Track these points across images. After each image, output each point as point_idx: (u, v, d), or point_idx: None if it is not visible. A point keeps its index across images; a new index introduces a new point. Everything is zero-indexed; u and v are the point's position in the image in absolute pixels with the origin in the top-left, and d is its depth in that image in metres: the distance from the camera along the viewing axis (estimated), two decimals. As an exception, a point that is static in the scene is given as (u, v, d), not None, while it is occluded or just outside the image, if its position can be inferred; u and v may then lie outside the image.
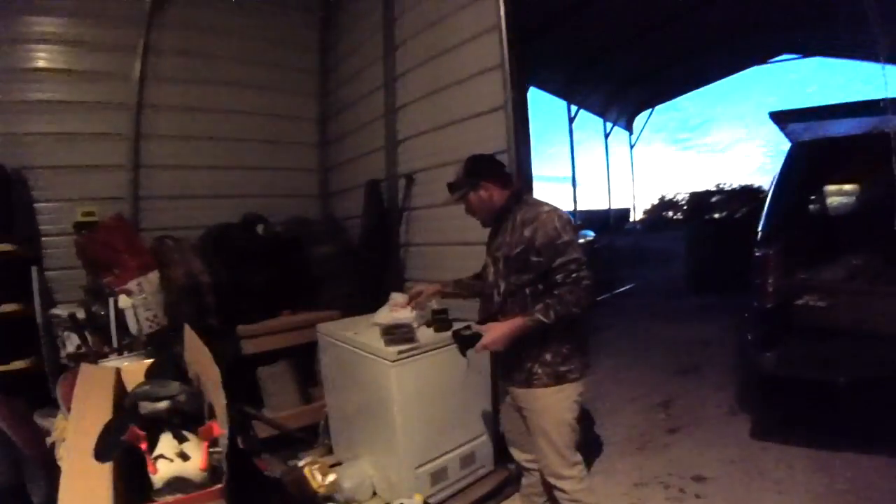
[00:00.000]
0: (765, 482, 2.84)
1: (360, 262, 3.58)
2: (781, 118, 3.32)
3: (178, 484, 1.45)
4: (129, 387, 1.90)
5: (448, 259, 2.69)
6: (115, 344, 2.77)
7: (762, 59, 9.22)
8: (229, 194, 4.02)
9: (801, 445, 3.16)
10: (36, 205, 3.37)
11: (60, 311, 2.96)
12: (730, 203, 7.83)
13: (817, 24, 7.31)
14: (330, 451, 3.04)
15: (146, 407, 1.65)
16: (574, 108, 8.22)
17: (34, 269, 2.98)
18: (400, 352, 2.26)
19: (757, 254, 3.34)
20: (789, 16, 7.26)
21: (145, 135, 3.74)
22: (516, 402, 2.11)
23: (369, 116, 3.91)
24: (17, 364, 2.87)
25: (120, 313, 2.84)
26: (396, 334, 2.32)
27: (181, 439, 1.55)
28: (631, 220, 17.16)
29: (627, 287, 9.66)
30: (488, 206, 2.08)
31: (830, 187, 3.56)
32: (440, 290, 2.44)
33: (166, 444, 1.54)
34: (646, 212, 28.29)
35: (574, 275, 1.82)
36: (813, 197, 3.57)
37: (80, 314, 2.85)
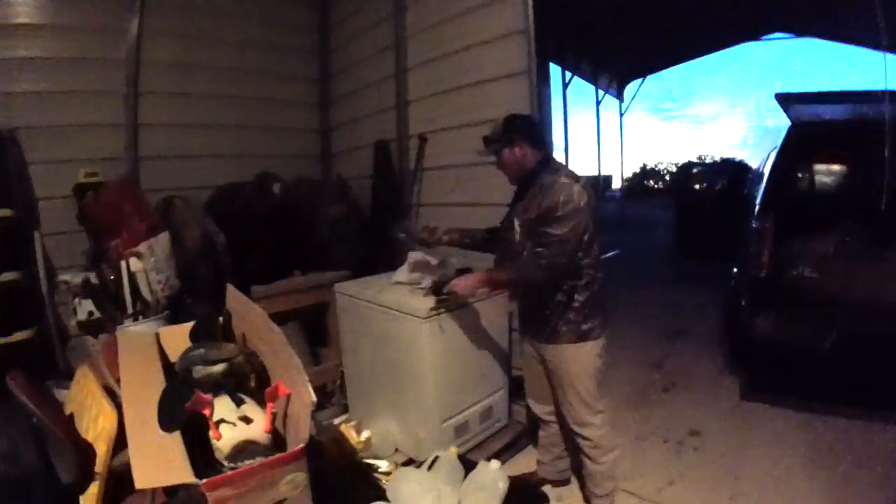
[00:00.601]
0: (757, 435, 3.03)
1: (371, 223, 3.59)
2: (786, 99, 3.47)
3: (248, 448, 1.41)
4: (169, 352, 1.87)
5: (459, 220, 2.71)
6: (129, 310, 2.71)
7: (755, 35, 9.29)
8: (230, 154, 3.95)
9: (788, 405, 3.35)
10: (31, 167, 3.18)
11: (69, 276, 2.88)
12: (716, 174, 7.96)
13: (816, 4, 7.43)
14: (345, 410, 3.09)
15: (200, 371, 1.62)
16: (568, 74, 8.19)
17: (37, 235, 2.89)
18: (431, 308, 2.31)
19: (754, 224, 3.49)
20: None
21: (143, 93, 3.60)
22: (541, 357, 2.22)
23: (377, 76, 3.85)
24: (20, 335, 2.73)
25: (133, 277, 2.78)
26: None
27: (239, 402, 1.52)
28: (613, 187, 17.37)
29: (613, 253, 9.87)
30: (520, 164, 2.12)
31: (824, 166, 3.76)
32: (453, 230, 2.47)
33: (225, 407, 1.49)
34: (627, 180, 28.57)
35: (551, 251, 1.92)
36: (808, 174, 3.77)
37: (93, 279, 2.78)
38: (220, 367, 1.63)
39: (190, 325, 1.97)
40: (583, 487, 2.39)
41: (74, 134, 3.36)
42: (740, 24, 8.57)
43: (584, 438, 2.17)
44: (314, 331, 3.44)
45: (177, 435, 1.39)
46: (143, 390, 1.57)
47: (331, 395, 3.25)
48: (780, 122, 3.96)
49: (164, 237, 2.94)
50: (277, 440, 1.52)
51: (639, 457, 2.86)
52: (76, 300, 2.82)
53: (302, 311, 3.27)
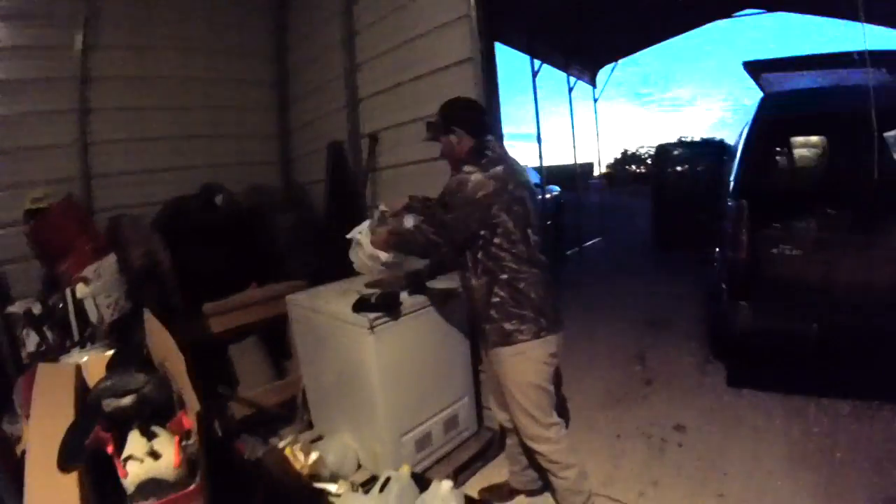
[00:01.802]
0: (743, 429, 2.93)
1: (325, 229, 3.46)
2: (755, 68, 3.27)
3: (151, 486, 1.34)
4: (93, 383, 1.77)
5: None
6: (76, 337, 2.60)
7: (727, 13, 9.15)
8: (187, 166, 3.80)
9: (775, 392, 3.27)
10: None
11: (16, 307, 2.76)
12: (694, 156, 7.72)
13: None
14: (310, 426, 2.98)
15: (110, 404, 1.53)
16: (537, 63, 8.04)
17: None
18: (376, 318, 2.18)
19: (729, 203, 3.34)
20: None
21: (92, 109, 3.48)
22: (488, 361, 2.16)
23: (329, 76, 3.72)
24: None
25: (79, 303, 2.66)
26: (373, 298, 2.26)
27: (150, 436, 1.43)
28: (595, 174, 17.25)
29: (594, 241, 9.76)
30: (453, 153, 2.07)
31: (801, 139, 3.56)
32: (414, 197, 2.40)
33: (135, 442, 1.41)
34: (609, 166, 28.48)
35: (430, 227, 1.95)
36: (783, 149, 3.57)
37: (37, 309, 2.66)
38: (128, 399, 1.55)
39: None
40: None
41: (24, 156, 3.25)
42: (710, 2, 8.43)
43: (537, 452, 2.06)
44: (278, 343, 3.33)
45: (73, 475, 1.34)
46: (51, 426, 1.50)
47: (296, 409, 3.13)
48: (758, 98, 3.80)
49: (110, 259, 2.82)
50: (193, 474, 1.42)
51: (620, 457, 2.77)
52: (24, 331, 2.71)
53: (261, 324, 3.16)
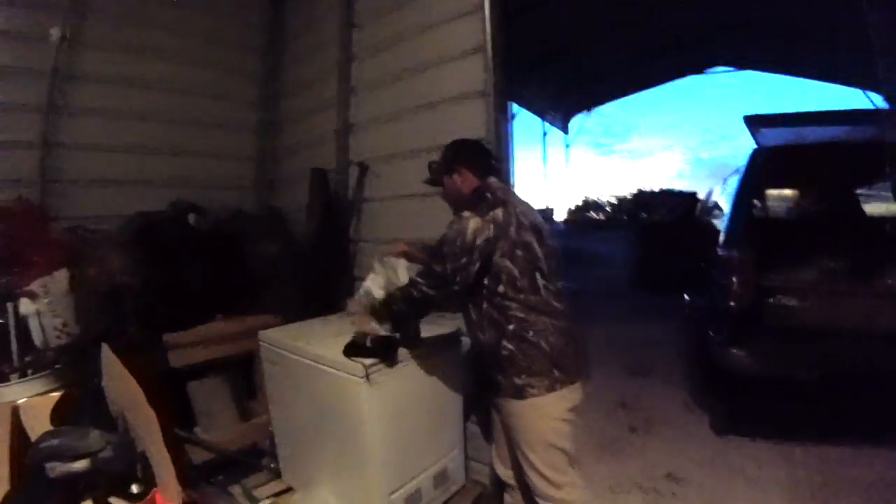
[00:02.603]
0: (736, 477, 2.88)
1: (306, 261, 3.20)
2: (755, 122, 3.31)
3: None
4: (32, 430, 1.46)
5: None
6: (15, 362, 2.26)
7: (700, 69, 9.62)
8: (159, 181, 3.51)
9: (764, 439, 3.25)
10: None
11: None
12: (670, 205, 7.88)
13: (762, 40, 7.65)
14: (278, 475, 2.66)
15: (57, 469, 1.24)
16: (515, 106, 8.15)
17: None
18: (370, 364, 1.94)
19: (721, 254, 3.32)
20: (731, 29, 7.53)
21: (60, 107, 3.17)
22: (498, 414, 2.00)
23: (320, 100, 3.52)
24: None
25: (23, 321, 2.35)
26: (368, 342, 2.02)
27: None
28: (555, 219, 17.46)
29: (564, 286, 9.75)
30: (456, 193, 1.98)
31: (792, 191, 3.63)
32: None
33: None
34: (570, 212, 29.07)
35: (425, 282, 1.80)
36: (776, 200, 3.63)
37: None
38: (81, 464, 1.26)
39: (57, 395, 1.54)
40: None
41: None
42: (685, 58, 8.86)
43: None
44: (243, 380, 3.03)
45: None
46: None
47: (262, 455, 2.83)
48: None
49: (61, 274, 2.52)
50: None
51: (618, 512, 2.61)
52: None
53: (228, 359, 2.86)
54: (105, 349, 1.75)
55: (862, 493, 2.65)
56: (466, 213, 1.77)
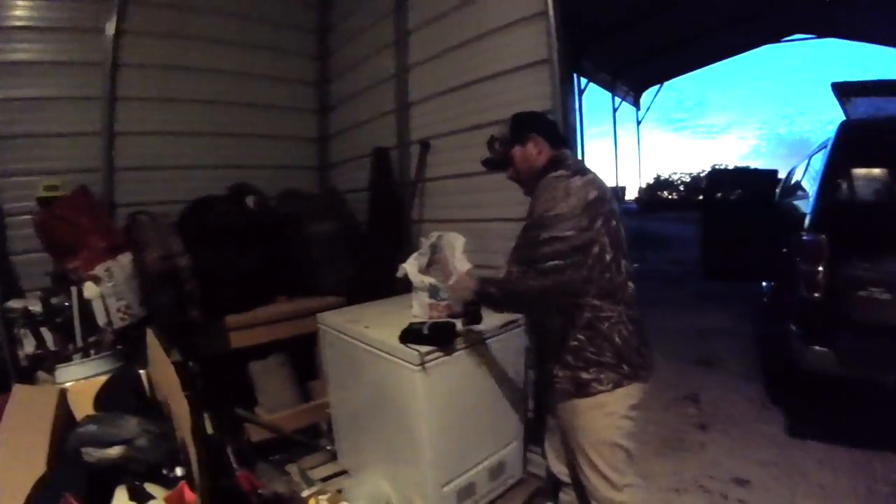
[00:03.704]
0: (808, 485, 2.67)
1: (367, 242, 3.16)
2: (844, 91, 2.94)
3: None
4: (79, 413, 1.47)
5: (468, 237, 2.29)
6: (79, 342, 2.32)
7: (777, 37, 8.90)
8: (217, 164, 3.57)
9: (841, 444, 3.01)
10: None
11: (16, 303, 2.50)
12: (745, 184, 7.31)
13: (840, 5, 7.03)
14: (334, 457, 2.67)
15: (93, 454, 1.23)
16: (584, 80, 7.80)
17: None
18: (427, 353, 1.86)
19: (804, 238, 3.04)
20: None
21: (121, 97, 3.26)
22: (554, 411, 1.83)
23: (377, 77, 3.44)
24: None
25: (87, 305, 2.38)
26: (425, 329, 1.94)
27: (142, 499, 1.14)
28: (627, 198, 16.88)
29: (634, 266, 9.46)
30: (532, 164, 1.74)
31: (886, 171, 3.23)
32: None
33: None
34: (641, 191, 27.87)
35: (548, 261, 1.49)
36: (867, 181, 3.25)
37: (36, 307, 2.39)
38: (115, 451, 1.23)
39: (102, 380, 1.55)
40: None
41: (47, 142, 3.09)
42: (760, 26, 8.23)
43: None
44: (305, 362, 3.04)
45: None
46: (15, 475, 1.18)
47: (319, 437, 2.84)
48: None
49: (124, 258, 2.56)
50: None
51: (678, 515, 2.47)
52: (22, 331, 2.44)
53: (288, 341, 2.88)
54: (149, 333, 1.75)
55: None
56: (561, 172, 1.59)
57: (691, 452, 3.05)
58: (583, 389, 1.62)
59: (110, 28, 3.19)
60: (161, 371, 1.59)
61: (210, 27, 3.60)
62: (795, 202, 3.96)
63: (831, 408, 3.43)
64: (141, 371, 1.92)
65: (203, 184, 3.32)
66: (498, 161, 1.85)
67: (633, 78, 9.22)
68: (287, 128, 4.02)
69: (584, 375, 1.62)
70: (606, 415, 1.63)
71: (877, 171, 3.41)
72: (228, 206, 2.80)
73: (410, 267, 2.19)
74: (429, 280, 2.13)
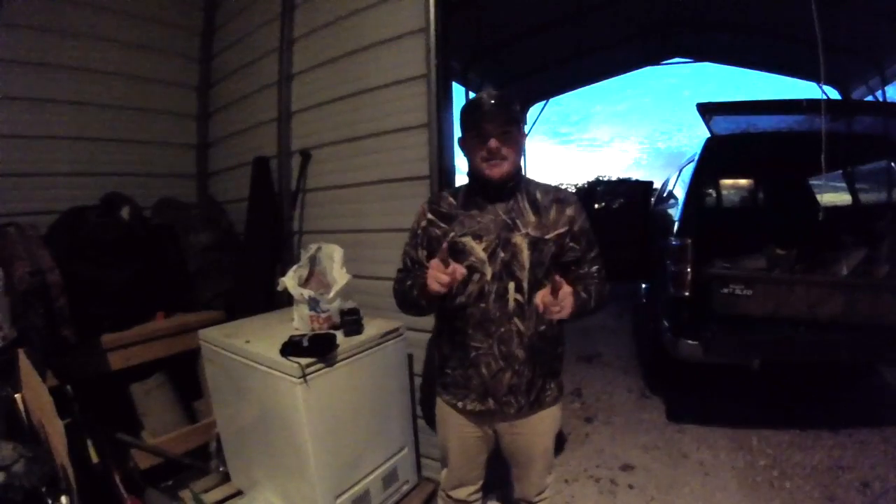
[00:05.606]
0: (690, 465, 2.93)
1: (246, 253, 3.08)
2: (708, 109, 3.26)
3: None
4: None
5: (348, 249, 2.30)
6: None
7: (657, 59, 9.74)
8: (94, 172, 3.27)
9: (718, 425, 3.33)
10: None
11: None
12: (621, 193, 7.86)
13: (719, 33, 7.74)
14: (227, 478, 2.59)
15: None
16: (472, 94, 8.04)
17: None
18: (308, 364, 1.86)
19: (673, 242, 3.34)
20: (691, 20, 7.61)
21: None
22: (506, 434, 1.71)
23: (260, 83, 3.34)
24: None
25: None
26: (305, 341, 1.95)
27: None
28: None
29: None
30: (521, 153, 1.61)
31: (744, 180, 3.62)
32: None
33: None
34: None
35: (603, 271, 1.64)
36: (727, 189, 3.63)
37: None
38: None
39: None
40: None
41: None
42: (643, 49, 8.95)
43: (541, 501, 1.85)
44: (188, 380, 2.91)
45: None
46: None
47: (209, 458, 2.73)
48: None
49: (-10, 275, 2.34)
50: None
51: (571, 504, 2.61)
52: None
53: (169, 359, 2.75)
54: (21, 356, 1.64)
55: (809, 476, 2.74)
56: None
57: (578, 443, 3.24)
58: (561, 393, 1.74)
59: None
60: (35, 396, 1.50)
61: (83, 22, 3.28)
62: (668, 209, 4.32)
63: (706, 393, 3.77)
64: (16, 395, 1.78)
65: (80, 192, 3.03)
66: (517, 117, 1.54)
67: (519, 92, 9.62)
68: (165, 133, 3.75)
69: (561, 378, 1.74)
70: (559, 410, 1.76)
71: (736, 180, 3.83)
72: (102, 216, 2.62)
73: (290, 280, 2.19)
74: (308, 293, 2.13)
